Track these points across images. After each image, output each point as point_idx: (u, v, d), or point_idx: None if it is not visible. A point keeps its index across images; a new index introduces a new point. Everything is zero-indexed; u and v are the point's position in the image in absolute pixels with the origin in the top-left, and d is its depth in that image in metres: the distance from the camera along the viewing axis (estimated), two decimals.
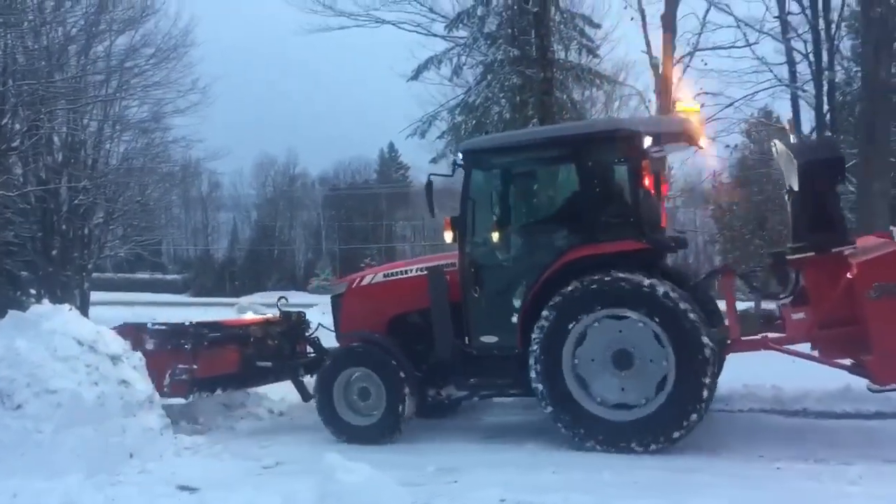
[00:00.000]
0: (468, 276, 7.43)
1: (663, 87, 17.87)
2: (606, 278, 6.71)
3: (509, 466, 6.36)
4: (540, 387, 6.88)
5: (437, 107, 18.73)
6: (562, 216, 7.67)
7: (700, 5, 18.20)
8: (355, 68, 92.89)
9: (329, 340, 8.64)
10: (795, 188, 7.09)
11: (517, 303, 7.36)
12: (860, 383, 7.04)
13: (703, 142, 7.80)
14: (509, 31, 16.52)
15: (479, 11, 17.19)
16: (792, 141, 7.41)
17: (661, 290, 6.58)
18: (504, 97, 16.55)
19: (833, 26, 18.38)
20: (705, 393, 6.51)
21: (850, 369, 6.93)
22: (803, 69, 18.94)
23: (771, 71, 18.84)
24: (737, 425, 7.73)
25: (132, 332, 7.80)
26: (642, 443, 6.61)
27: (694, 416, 6.53)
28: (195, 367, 7.73)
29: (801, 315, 7.08)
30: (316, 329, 8.89)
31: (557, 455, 6.70)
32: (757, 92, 18.44)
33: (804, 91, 18.72)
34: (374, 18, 18.43)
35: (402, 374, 7.45)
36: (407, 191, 60.22)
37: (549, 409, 6.90)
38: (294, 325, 8.88)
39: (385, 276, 8.22)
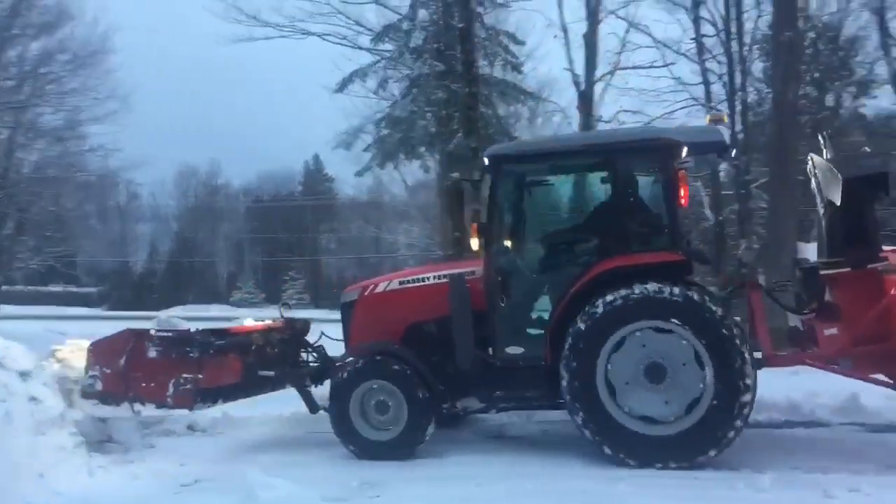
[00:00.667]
0: (494, 285, 7.21)
1: (585, 104, 18.33)
2: (649, 290, 6.53)
3: (433, 480, 6.36)
4: (571, 398, 6.67)
5: (362, 119, 18.73)
6: (593, 225, 7.44)
7: (621, 25, 18.76)
8: (280, 80, 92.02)
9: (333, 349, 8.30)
10: (838, 202, 6.96)
11: (545, 313, 7.17)
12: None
13: (731, 151, 7.91)
14: (435, 45, 16.63)
15: (405, 26, 17.24)
16: (826, 157, 7.60)
17: (710, 306, 6.47)
18: (429, 111, 16.63)
19: (745, 49, 19.16)
20: (745, 411, 6.39)
21: (893, 386, 6.74)
22: (718, 90, 19.70)
23: (687, 91, 19.56)
24: None
25: (134, 339, 7.52)
26: (676, 458, 6.43)
27: (731, 434, 6.40)
28: (200, 376, 7.38)
29: (833, 331, 6.90)
30: (320, 338, 8.50)
31: (480, 468, 6.73)
32: (674, 111, 19.11)
33: (719, 111, 19.39)
34: (299, 30, 18.33)
35: (425, 388, 7.19)
36: (332, 203, 59.81)
37: (581, 420, 6.66)
38: (298, 332, 8.52)
39: (401, 283, 7.84)
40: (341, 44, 17.96)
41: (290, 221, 59.52)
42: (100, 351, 7.64)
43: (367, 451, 7.21)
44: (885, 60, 18.17)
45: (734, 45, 19.11)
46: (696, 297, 6.50)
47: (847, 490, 5.65)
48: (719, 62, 19.50)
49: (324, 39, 18.01)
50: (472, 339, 7.14)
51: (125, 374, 7.38)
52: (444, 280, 7.47)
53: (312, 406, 7.87)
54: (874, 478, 5.97)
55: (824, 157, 7.53)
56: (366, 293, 7.93)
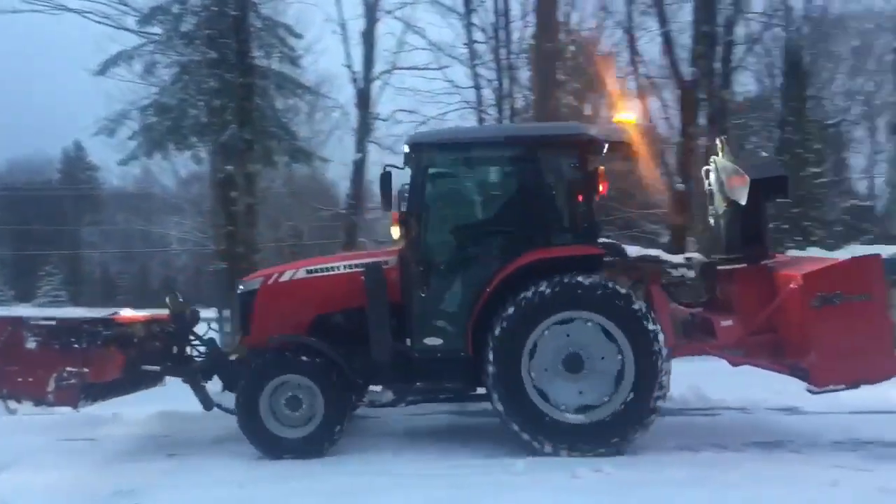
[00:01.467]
0: (415, 276, 7.05)
1: (363, 101, 18.45)
2: (572, 282, 6.68)
3: (193, 487, 6.13)
4: (497, 388, 6.67)
5: (126, 105, 17.58)
6: (515, 218, 7.29)
7: (398, 26, 19.09)
8: (36, 58, 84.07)
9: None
10: (743, 202, 7.41)
11: (465, 305, 7.07)
12: None
13: (638, 155, 7.80)
14: (207, 32, 15.96)
15: (175, 9, 16.38)
16: (727, 158, 8.07)
17: (629, 295, 6.70)
18: (201, 100, 15.94)
19: (513, 56, 20.21)
20: (663, 394, 6.67)
21: (790, 373, 7.07)
22: (489, 94, 20.61)
23: (460, 94, 20.29)
24: (419, 427, 8.17)
25: (6, 328, 6.85)
26: (601, 443, 6.62)
27: (651, 417, 6.66)
28: (86, 370, 6.77)
29: (729, 322, 7.31)
30: (209, 329, 7.99)
31: (243, 470, 6.58)
32: (447, 112, 19.74)
33: (489, 114, 20.32)
34: (55, 4, 16.87)
35: (343, 382, 6.99)
36: (95, 193, 55.69)
37: (503, 408, 6.69)
38: (188, 323, 7.84)
39: (308, 272, 7.51)
40: (104, 23, 16.73)
41: (46, 212, 54.67)
42: None
43: (277, 449, 6.91)
44: (633, 76, 19.88)
45: (503, 53, 20.09)
46: (619, 289, 6.72)
47: (592, 471, 6.11)
48: (489, 68, 20.42)
49: (84, 17, 16.68)
50: (388, 330, 6.98)
51: None
52: (356, 270, 7.28)
53: (207, 403, 7.41)
54: (615, 458, 6.51)
55: (724, 159, 7.94)
56: (269, 282, 7.52)
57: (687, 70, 17.11)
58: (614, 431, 6.68)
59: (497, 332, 6.68)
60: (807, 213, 23.75)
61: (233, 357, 7.71)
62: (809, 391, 7.04)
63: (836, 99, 35.66)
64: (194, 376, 7.55)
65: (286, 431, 6.96)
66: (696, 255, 13.72)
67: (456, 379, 7.15)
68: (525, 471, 6.21)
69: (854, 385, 6.93)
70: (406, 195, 7.23)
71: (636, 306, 6.71)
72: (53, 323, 7.06)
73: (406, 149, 7.32)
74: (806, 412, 8.29)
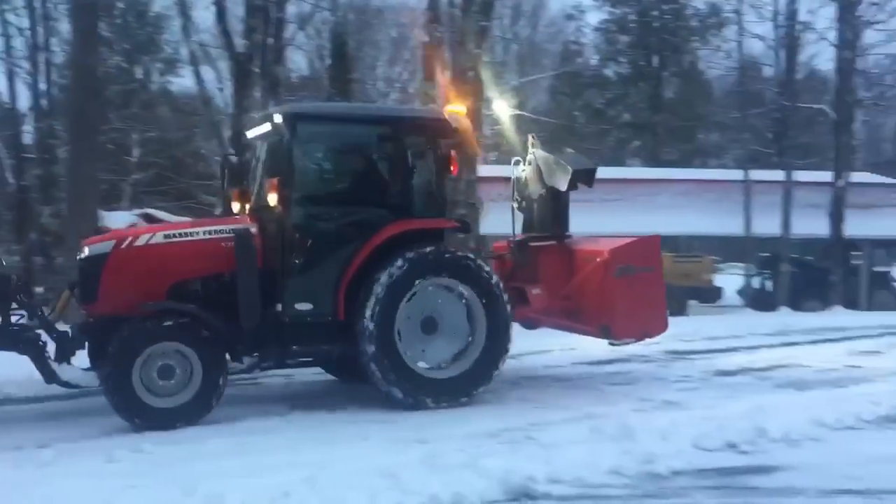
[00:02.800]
0: (287, 243, 7.15)
1: None
2: (441, 251, 7.48)
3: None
4: (373, 348, 7.10)
5: None
6: (380, 190, 7.75)
7: None
8: None
9: None
10: (564, 189, 8.60)
11: (336, 272, 7.29)
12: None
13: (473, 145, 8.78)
14: None
15: None
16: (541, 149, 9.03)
17: (486, 267, 7.66)
18: None
19: (51, 5, 18.24)
20: (506, 355, 7.71)
21: (595, 333, 8.39)
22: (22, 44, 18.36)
23: None
24: None
25: None
26: (457, 395, 7.41)
27: (496, 373, 7.65)
28: None
29: (538, 291, 8.42)
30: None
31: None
32: None
33: (21, 67, 18.11)
34: None
35: (219, 349, 6.87)
36: None
37: (379, 368, 7.13)
38: (16, 288, 7.10)
39: (167, 236, 7.18)
40: None
41: None
42: None
43: (152, 420, 6.59)
44: (186, 43, 19.29)
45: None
46: (478, 259, 7.66)
47: (130, 452, 5.85)
48: (20, 15, 18.17)
49: None
50: (258, 296, 6.99)
51: None
52: (216, 236, 7.22)
53: (49, 374, 6.83)
54: (156, 435, 6.32)
55: (542, 152, 8.93)
56: (122, 246, 7.05)
57: (240, 42, 17.09)
58: (467, 385, 7.52)
59: (374, 297, 7.13)
60: None
61: (64, 326, 7.20)
62: (611, 344, 8.58)
63: (379, 84, 38.89)
64: (36, 345, 6.92)
65: (161, 402, 6.69)
66: None
67: (328, 342, 7.37)
68: (54, 460, 5.70)
69: (641, 338, 8.62)
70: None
71: (493, 277, 7.65)
72: None
73: (279, 118, 7.31)
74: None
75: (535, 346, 11.22)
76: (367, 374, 7.32)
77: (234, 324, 6.99)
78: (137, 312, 6.81)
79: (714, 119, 35.21)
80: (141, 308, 6.84)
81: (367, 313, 7.15)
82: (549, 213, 8.95)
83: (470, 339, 7.65)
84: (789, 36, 22.57)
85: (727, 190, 24.43)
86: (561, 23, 39.78)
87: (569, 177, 8.54)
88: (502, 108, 26.62)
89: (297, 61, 34.63)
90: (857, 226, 23.04)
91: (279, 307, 7.18)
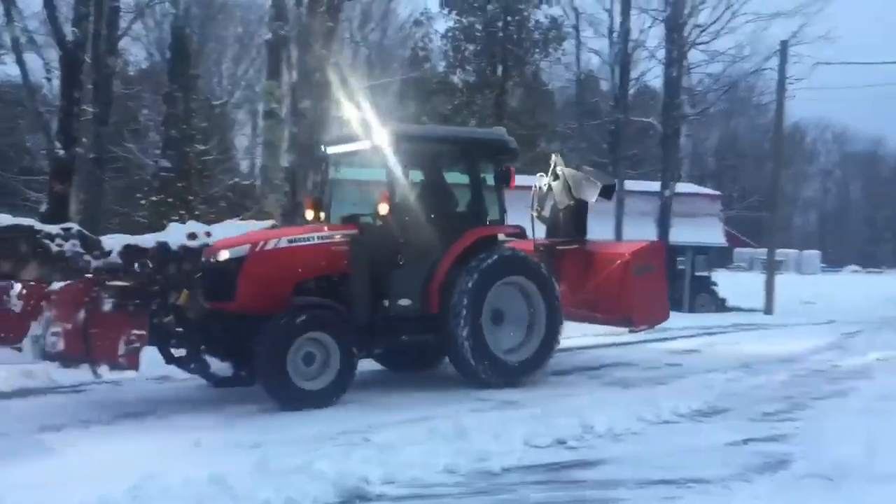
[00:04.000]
0: (392, 247, 8.17)
1: None
2: (515, 253, 8.89)
3: None
4: (465, 338, 8.27)
5: None
6: (458, 201, 9.10)
7: None
8: None
9: None
10: (592, 201, 10.16)
11: (428, 271, 8.41)
12: None
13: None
14: None
15: None
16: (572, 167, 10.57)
17: (542, 264, 9.12)
18: None
19: None
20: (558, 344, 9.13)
21: (617, 322, 10.28)
22: None
23: None
24: None
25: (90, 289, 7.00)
26: (522, 378, 8.69)
27: (549, 360, 9.07)
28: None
29: (563, 288, 9.53)
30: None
31: None
32: None
33: None
34: None
35: (353, 337, 7.75)
36: None
37: (470, 356, 8.33)
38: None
39: (290, 241, 8.06)
40: None
41: None
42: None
43: (304, 402, 7.37)
44: (9, 28, 17.94)
45: None
46: (538, 260, 9.20)
47: None
48: None
49: None
50: (369, 293, 8.04)
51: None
52: (327, 241, 8.11)
53: (203, 368, 7.58)
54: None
55: (569, 169, 10.40)
56: (257, 249, 7.86)
57: (69, 30, 16.11)
58: (530, 369, 8.80)
59: (466, 293, 8.28)
60: (191, 187, 24.59)
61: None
62: (631, 331, 10.91)
63: (224, 81, 37.80)
64: (189, 341, 7.57)
65: (307, 384, 7.45)
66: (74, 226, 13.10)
67: (423, 332, 8.45)
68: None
69: (652, 326, 10.55)
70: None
71: (551, 274, 9.08)
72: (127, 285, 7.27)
73: (387, 138, 8.29)
74: (174, 380, 8.58)
75: None
76: (456, 358, 8.55)
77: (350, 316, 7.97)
78: (279, 308, 7.53)
79: (555, 129, 36.68)
80: (290, 303, 7.67)
81: (461, 307, 8.30)
82: (573, 221, 10.38)
83: (530, 329, 8.94)
84: (622, 53, 23.84)
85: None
86: (410, 28, 40.17)
87: (598, 190, 9.99)
88: (351, 111, 26.58)
89: (136, 53, 33.18)
90: (681, 233, 24.64)
91: (386, 303, 8.20)
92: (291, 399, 7.41)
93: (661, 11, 23.45)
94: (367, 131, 8.61)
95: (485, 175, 9.17)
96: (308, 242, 8.12)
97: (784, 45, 23.81)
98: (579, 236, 10.37)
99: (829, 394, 8.38)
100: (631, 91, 26.10)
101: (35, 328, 7.66)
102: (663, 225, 23.29)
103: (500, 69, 36.85)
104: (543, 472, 5.46)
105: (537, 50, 36.52)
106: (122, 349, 6.75)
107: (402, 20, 40.48)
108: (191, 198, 24.20)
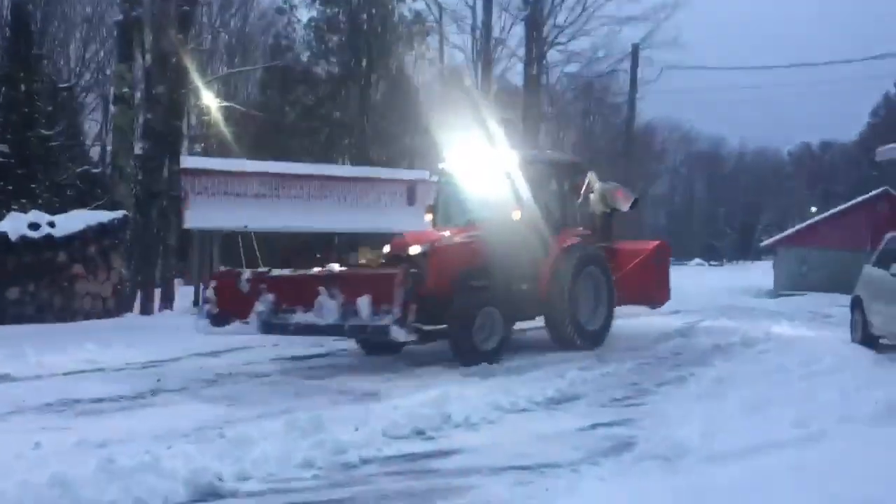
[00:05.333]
0: (518, 245, 10.70)
1: None
2: (594, 248, 11.89)
3: None
4: (568, 314, 10.88)
5: None
6: (551, 210, 11.58)
7: None
8: None
9: None
10: (626, 209, 12.91)
11: (538, 264, 10.98)
12: None
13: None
14: None
15: None
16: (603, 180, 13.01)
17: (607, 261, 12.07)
18: None
19: None
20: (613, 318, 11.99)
21: (643, 303, 13.31)
22: None
23: None
24: None
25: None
26: (601, 342, 11.48)
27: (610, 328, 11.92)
28: None
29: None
30: None
31: None
32: None
33: None
34: None
35: (508, 312, 10.24)
36: None
37: (571, 327, 10.96)
38: None
39: (462, 239, 10.37)
40: None
41: None
42: None
43: (479, 358, 9.44)
44: None
45: None
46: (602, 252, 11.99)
47: None
48: None
49: None
50: (506, 279, 10.40)
51: None
52: (469, 240, 10.39)
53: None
54: None
55: (602, 182, 12.78)
56: (437, 245, 10.07)
57: None
58: (601, 337, 11.57)
59: (566, 280, 10.92)
60: (35, 175, 23.11)
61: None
62: (653, 308, 13.82)
63: (72, 63, 35.66)
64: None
65: (481, 345, 9.60)
66: None
67: (536, 311, 11.10)
68: None
69: (662, 304, 13.75)
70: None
71: (608, 267, 11.92)
72: None
73: (516, 161, 11.18)
74: (15, 378, 8.09)
75: (234, 343, 11.01)
76: (554, 328, 11.06)
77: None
78: (453, 289, 9.68)
79: (419, 123, 36.84)
80: (464, 286, 9.82)
81: (564, 289, 10.85)
82: (606, 225, 12.88)
83: (597, 306, 11.58)
84: (485, 50, 24.29)
85: (430, 190, 25.67)
86: (272, 16, 39.27)
87: (631, 202, 12.82)
88: (209, 98, 25.73)
89: None
90: None
91: (512, 286, 10.51)
92: (474, 357, 9.49)
93: (522, 10, 24.02)
94: (494, 154, 11.66)
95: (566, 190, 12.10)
96: (458, 241, 10.36)
97: (635, 48, 24.99)
98: (608, 237, 12.93)
99: (672, 380, 8.86)
100: (493, 88, 26.61)
101: (258, 306, 9.63)
102: None
103: (364, 62, 36.70)
104: (401, 462, 5.51)
105: (402, 44, 36.57)
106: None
107: (264, 7, 39.58)
108: (33, 185, 22.73)
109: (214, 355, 10.33)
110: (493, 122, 23.37)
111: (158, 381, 8.48)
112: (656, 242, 13.98)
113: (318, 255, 22.74)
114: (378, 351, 10.49)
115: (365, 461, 5.45)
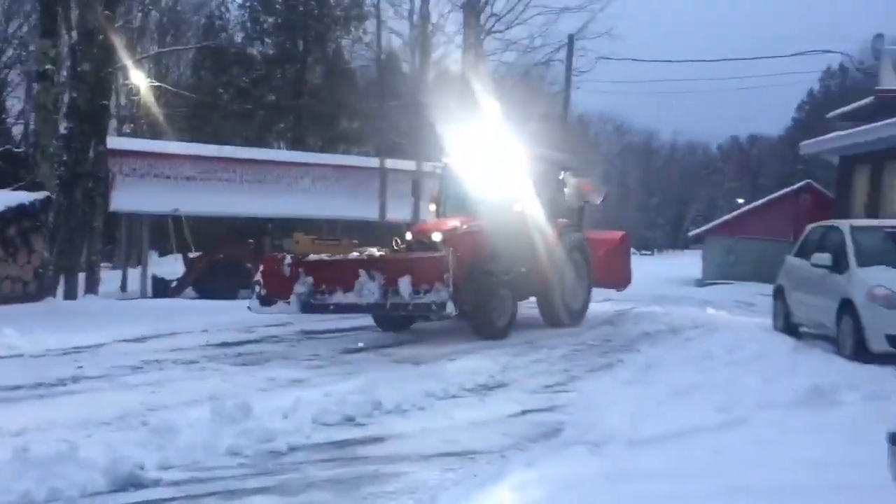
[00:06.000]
0: (524, 234, 11.86)
1: None
2: (579, 234, 13.40)
3: None
4: (560, 293, 12.43)
5: None
6: (550, 202, 12.51)
7: None
8: None
9: None
10: (598, 202, 15.53)
11: (537, 248, 11.89)
12: None
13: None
14: None
15: None
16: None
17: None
18: None
19: None
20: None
21: (612, 286, 14.95)
22: None
23: None
24: None
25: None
26: (581, 320, 13.07)
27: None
28: None
29: None
30: None
31: None
32: None
33: None
34: None
35: (516, 292, 11.60)
36: None
37: (562, 305, 12.50)
38: None
39: (468, 228, 11.36)
40: None
41: None
42: None
43: (495, 335, 10.81)
44: None
45: None
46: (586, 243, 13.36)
47: None
48: None
49: None
50: (511, 262, 11.43)
51: None
52: (475, 229, 11.41)
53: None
54: None
55: (572, 179, 13.72)
56: (456, 232, 11.14)
57: None
58: (580, 315, 13.01)
59: (560, 262, 12.22)
60: None
61: None
62: (618, 290, 15.35)
63: None
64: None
65: (497, 322, 10.90)
66: None
67: (533, 290, 12.23)
68: None
69: (625, 288, 15.29)
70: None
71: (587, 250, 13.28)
72: None
73: (522, 156, 12.20)
74: None
75: (163, 329, 10.76)
76: (545, 308, 12.39)
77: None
78: (474, 272, 10.64)
79: (356, 108, 36.50)
80: (483, 269, 10.83)
81: (559, 275, 12.13)
82: (578, 217, 13.75)
83: (578, 288, 12.84)
84: (422, 36, 24.18)
85: (365, 176, 25.51)
86: None
87: (603, 196, 15.06)
88: (139, 78, 24.99)
89: None
90: None
91: (521, 270, 11.65)
92: (492, 332, 10.73)
93: None
94: (498, 150, 12.32)
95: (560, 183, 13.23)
96: (466, 230, 11.25)
97: (571, 38, 25.19)
98: (581, 227, 13.82)
99: (601, 366, 9.00)
100: (431, 74, 26.51)
101: (298, 287, 10.61)
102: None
103: (300, 44, 36.17)
104: (331, 449, 5.46)
105: (338, 27, 36.16)
106: None
107: None
108: None
109: (140, 341, 10.07)
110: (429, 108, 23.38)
111: (80, 367, 8.22)
112: (621, 233, 15.80)
113: (250, 241, 22.34)
114: (392, 328, 11.72)
115: (293, 449, 5.39)
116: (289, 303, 10.69)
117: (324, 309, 10.78)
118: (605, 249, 14.42)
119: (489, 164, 12.18)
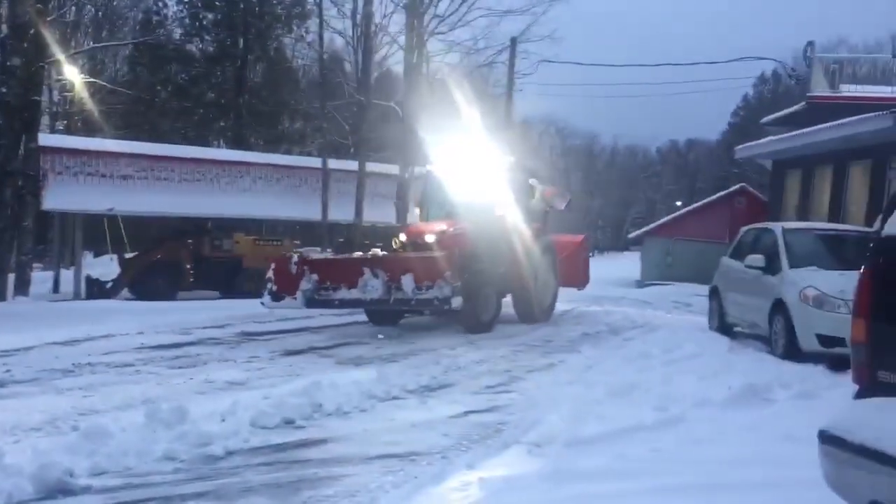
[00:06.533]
0: (498, 235, 12.58)
1: None
2: (550, 238, 14.13)
3: None
4: (529, 291, 12.88)
5: None
6: (522, 207, 13.31)
7: None
8: None
9: None
10: (562, 208, 14.57)
11: (516, 247, 12.62)
12: None
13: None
14: None
15: None
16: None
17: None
18: None
19: None
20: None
21: (573, 286, 15.56)
22: None
23: None
24: None
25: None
26: (550, 316, 13.85)
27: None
28: None
29: None
30: None
31: None
32: None
33: None
34: None
35: (499, 289, 12.56)
36: None
37: (533, 303, 13.04)
38: None
39: (454, 230, 12.04)
40: None
41: None
42: None
43: (480, 328, 11.57)
44: None
45: None
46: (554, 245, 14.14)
47: None
48: None
49: None
50: (491, 263, 12.12)
51: None
52: (456, 231, 12.04)
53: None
54: None
55: (539, 186, 14.13)
56: (446, 234, 11.84)
57: None
58: (549, 312, 13.77)
59: (537, 261, 13.08)
60: None
61: None
62: (579, 290, 15.98)
63: None
64: None
65: (482, 317, 11.67)
66: None
67: (508, 285, 12.77)
68: None
69: (584, 287, 16.11)
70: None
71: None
72: None
73: (504, 165, 13.54)
74: None
75: (97, 332, 10.48)
76: (521, 305, 12.97)
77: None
78: (461, 271, 10.89)
79: (299, 107, 36.17)
80: (469, 268, 11.28)
81: (533, 271, 12.77)
82: (543, 221, 14.13)
83: (549, 286, 13.59)
84: (365, 35, 24.03)
85: (307, 176, 25.27)
86: None
87: (567, 201, 14.80)
88: (73, 73, 24.32)
89: None
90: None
91: (500, 270, 12.29)
92: (478, 327, 11.43)
93: None
94: (482, 158, 13.32)
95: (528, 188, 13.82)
96: (454, 232, 11.92)
97: (514, 41, 25.31)
98: (547, 230, 14.23)
99: (542, 367, 9.05)
100: (374, 74, 26.37)
101: (303, 284, 11.30)
102: (401, 207, 23.87)
103: (241, 41, 35.66)
104: (270, 453, 5.38)
105: (280, 25, 35.76)
106: None
107: None
108: None
109: (72, 344, 9.78)
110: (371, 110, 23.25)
111: (8, 371, 7.96)
112: (581, 237, 16.95)
113: (189, 241, 21.91)
114: (383, 322, 12.34)
115: (230, 453, 5.29)
116: (295, 298, 11.41)
117: (329, 304, 11.53)
118: (567, 251, 15.15)
119: (470, 170, 13.14)
